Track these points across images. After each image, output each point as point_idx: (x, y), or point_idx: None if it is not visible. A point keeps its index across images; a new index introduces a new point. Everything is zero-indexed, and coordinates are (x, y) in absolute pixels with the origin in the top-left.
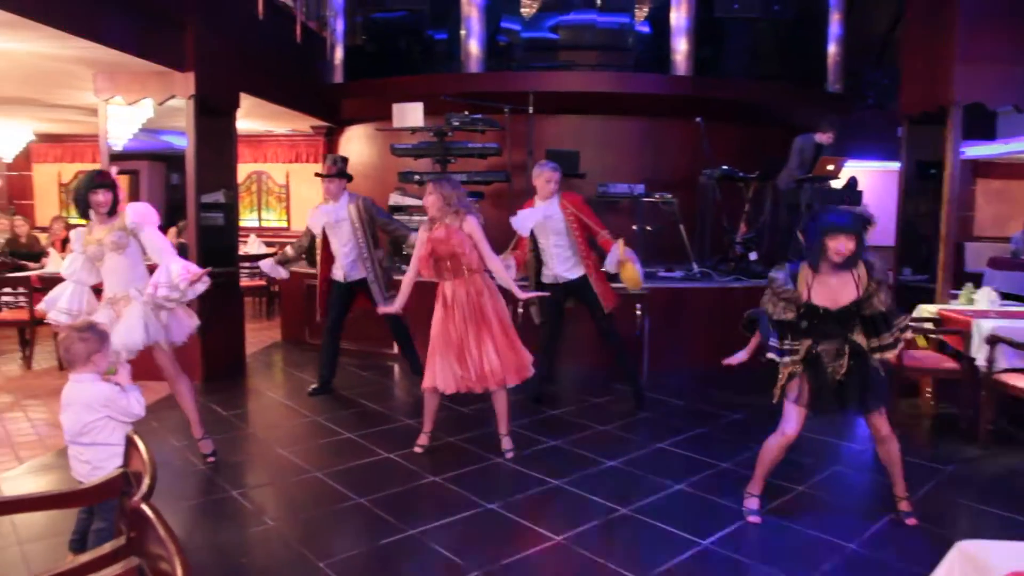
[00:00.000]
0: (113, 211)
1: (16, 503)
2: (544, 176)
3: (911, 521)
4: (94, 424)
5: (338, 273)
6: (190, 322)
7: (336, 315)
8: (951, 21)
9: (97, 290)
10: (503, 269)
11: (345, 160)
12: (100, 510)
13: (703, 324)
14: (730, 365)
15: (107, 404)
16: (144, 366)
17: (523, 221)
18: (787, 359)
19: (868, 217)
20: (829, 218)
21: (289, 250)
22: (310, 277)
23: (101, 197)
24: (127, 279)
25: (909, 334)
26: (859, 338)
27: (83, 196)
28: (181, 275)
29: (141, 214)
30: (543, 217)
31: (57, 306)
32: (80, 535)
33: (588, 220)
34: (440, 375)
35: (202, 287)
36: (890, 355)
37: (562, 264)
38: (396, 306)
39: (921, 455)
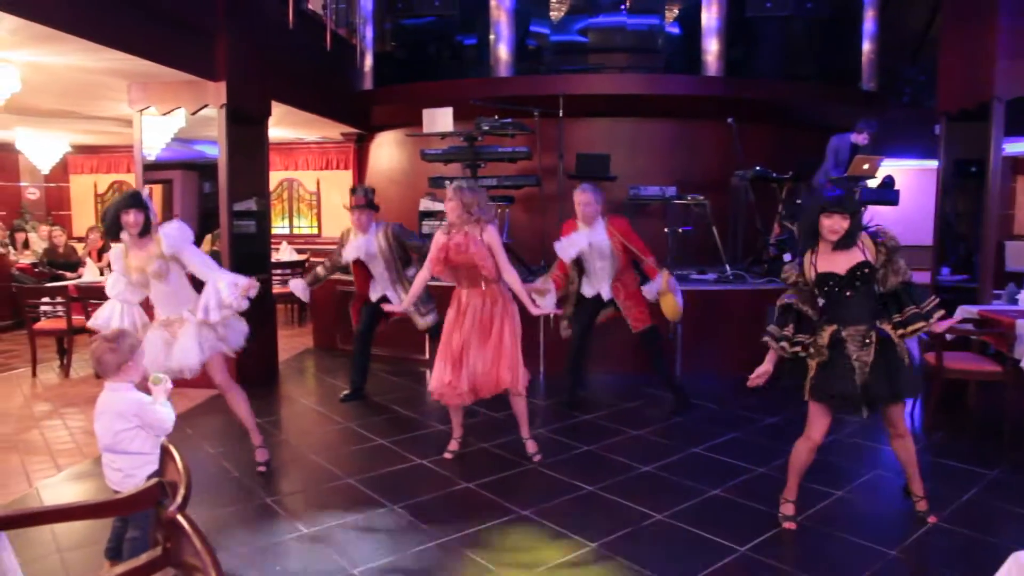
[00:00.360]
0: (146, 232)
1: (55, 513)
2: (576, 199)
3: (931, 519)
4: (126, 433)
5: (375, 294)
6: (242, 327)
7: (368, 322)
8: (992, 16)
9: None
10: (519, 282)
11: (372, 191)
12: (134, 519)
13: (736, 327)
14: (755, 384)
15: (138, 414)
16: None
17: (567, 249)
18: (804, 352)
19: (861, 200)
20: (824, 197)
21: (320, 270)
22: (342, 284)
23: (131, 218)
24: (176, 302)
25: (941, 314)
26: (887, 327)
27: (114, 217)
28: (231, 293)
29: (176, 238)
30: (588, 245)
31: (111, 326)
32: (115, 543)
33: (634, 247)
34: (435, 381)
35: (253, 292)
36: (915, 328)
37: (605, 284)
38: (404, 305)
39: (963, 459)
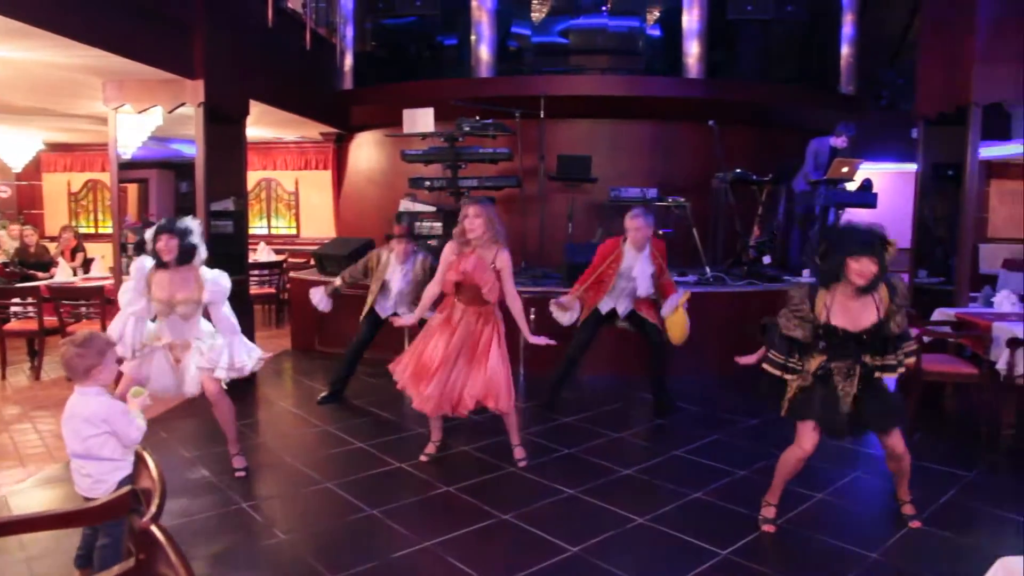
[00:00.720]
0: (184, 261)
1: (22, 523)
2: (630, 224)
3: (915, 524)
4: (95, 439)
5: (385, 311)
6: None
7: (369, 334)
8: (970, 20)
9: None
10: (521, 311)
11: (414, 219)
12: (104, 527)
13: (717, 329)
14: (739, 363)
15: (107, 420)
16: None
17: (644, 281)
18: (791, 376)
19: (886, 238)
20: (852, 239)
21: (339, 282)
22: (320, 284)
23: (163, 243)
24: (188, 332)
25: (913, 359)
26: (869, 359)
27: (151, 243)
28: (243, 362)
29: (219, 292)
30: (637, 274)
31: (125, 343)
32: (86, 551)
33: (663, 266)
34: (410, 371)
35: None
36: (889, 375)
37: (625, 301)
38: (414, 318)
39: (941, 461)
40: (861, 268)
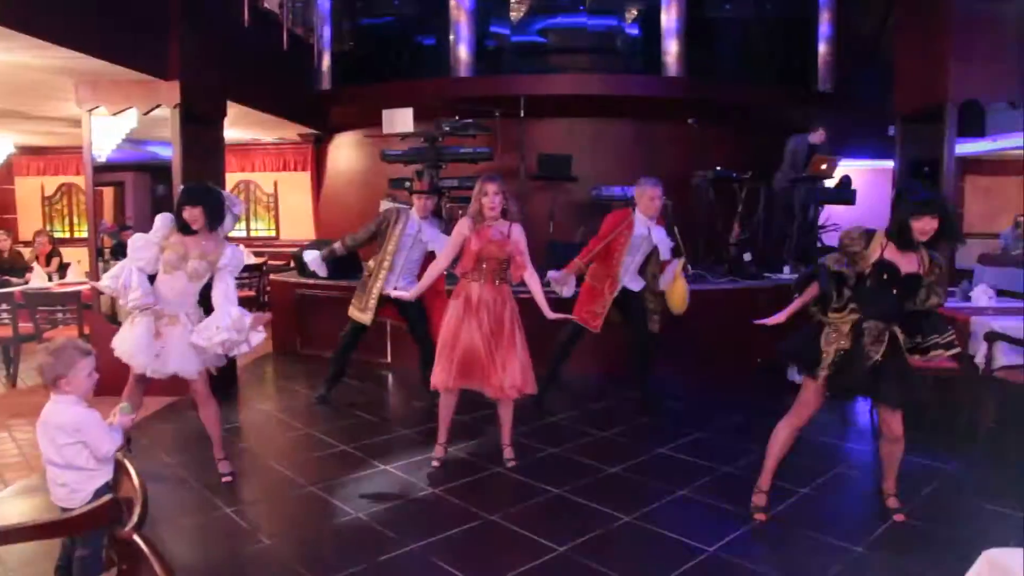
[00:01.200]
0: (212, 227)
1: (1, 534)
2: (650, 193)
3: (899, 517)
4: (70, 448)
5: (389, 287)
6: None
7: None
8: (946, 19)
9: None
10: (539, 286)
11: (437, 173)
12: (83, 536)
13: (698, 326)
14: (766, 324)
15: (80, 429)
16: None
17: (665, 244)
18: (836, 315)
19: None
20: (911, 198)
21: (338, 246)
22: (301, 287)
23: (188, 214)
24: (182, 302)
25: (957, 351)
26: (900, 332)
27: (177, 214)
28: (245, 318)
29: (236, 260)
30: (658, 240)
31: (132, 295)
32: (65, 562)
33: None
34: (456, 371)
35: (259, 337)
36: (934, 354)
37: (633, 279)
38: (414, 293)
39: (921, 454)
40: (922, 226)
